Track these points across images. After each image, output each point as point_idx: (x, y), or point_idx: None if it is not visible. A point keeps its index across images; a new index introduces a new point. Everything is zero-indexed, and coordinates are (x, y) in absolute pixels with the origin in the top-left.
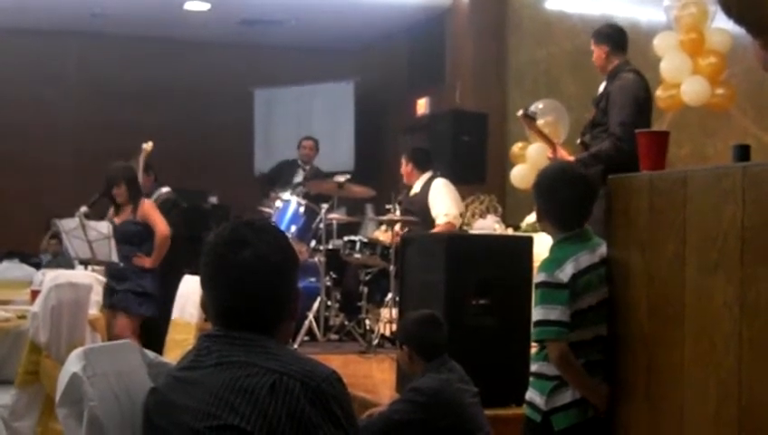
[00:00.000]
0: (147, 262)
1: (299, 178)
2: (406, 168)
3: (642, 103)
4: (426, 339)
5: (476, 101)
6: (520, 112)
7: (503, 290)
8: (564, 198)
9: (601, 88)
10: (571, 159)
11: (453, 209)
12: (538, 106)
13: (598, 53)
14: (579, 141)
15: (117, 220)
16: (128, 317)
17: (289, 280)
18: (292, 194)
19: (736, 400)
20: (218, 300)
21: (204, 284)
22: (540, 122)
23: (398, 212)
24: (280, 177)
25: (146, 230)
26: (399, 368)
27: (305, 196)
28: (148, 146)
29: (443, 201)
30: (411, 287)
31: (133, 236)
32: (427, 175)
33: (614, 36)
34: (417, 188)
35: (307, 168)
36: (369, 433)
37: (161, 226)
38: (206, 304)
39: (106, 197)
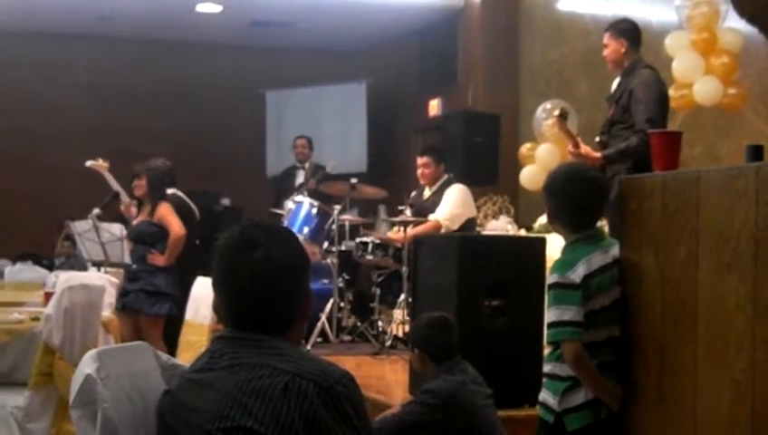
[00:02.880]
0: (159, 260)
1: (300, 178)
2: (436, 169)
3: (664, 100)
4: (437, 341)
5: (488, 102)
6: (557, 112)
7: (516, 291)
8: (575, 200)
9: (615, 84)
10: (598, 155)
11: (449, 213)
12: (545, 107)
13: (615, 46)
14: (597, 140)
15: (134, 221)
16: (147, 318)
17: (300, 281)
18: (297, 196)
19: (749, 401)
20: (230, 302)
21: (215, 286)
22: (548, 122)
23: (408, 213)
24: (284, 185)
25: (161, 232)
26: (412, 369)
27: (312, 194)
28: (100, 163)
29: (447, 204)
30: (424, 289)
31: (147, 237)
32: (444, 177)
33: (632, 31)
34: (435, 189)
35: (306, 166)
36: (381, 433)
37: (176, 226)
38: (217, 307)
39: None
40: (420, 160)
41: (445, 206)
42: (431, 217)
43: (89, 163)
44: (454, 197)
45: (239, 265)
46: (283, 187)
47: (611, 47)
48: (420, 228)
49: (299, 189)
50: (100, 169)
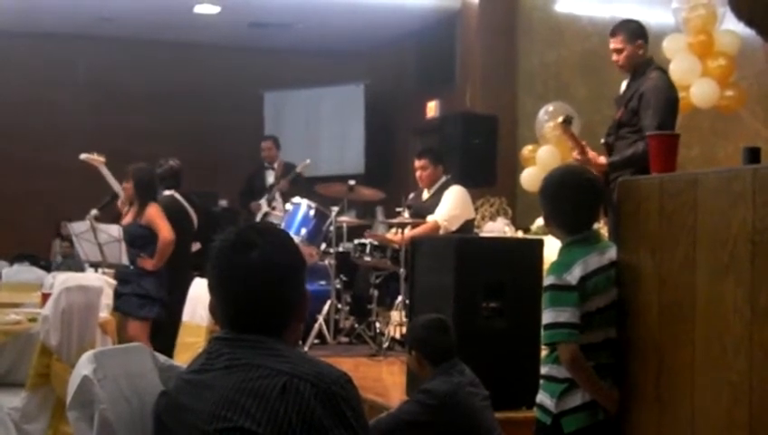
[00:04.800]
0: (148, 264)
1: (270, 178)
2: (434, 171)
3: (675, 104)
4: (434, 343)
5: (486, 104)
6: (561, 118)
7: (513, 293)
8: (571, 202)
9: (624, 85)
10: (603, 161)
11: (448, 214)
12: (547, 109)
13: (632, 50)
14: (603, 142)
15: (123, 222)
16: (135, 321)
17: (296, 282)
18: (268, 196)
19: (747, 403)
20: (226, 303)
21: (211, 287)
22: (550, 124)
23: (406, 214)
24: (253, 186)
25: (150, 234)
26: (410, 371)
27: (308, 195)
28: (95, 157)
29: (446, 205)
30: (421, 290)
31: (136, 239)
32: (443, 179)
33: (645, 30)
34: (433, 191)
35: (275, 166)
36: (377, 432)
37: (165, 231)
38: (213, 308)
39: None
40: (418, 163)
41: (443, 207)
42: (429, 217)
43: (83, 156)
44: (453, 198)
45: (235, 266)
46: (253, 188)
47: (628, 51)
48: (419, 229)
49: (270, 190)
50: (95, 163)
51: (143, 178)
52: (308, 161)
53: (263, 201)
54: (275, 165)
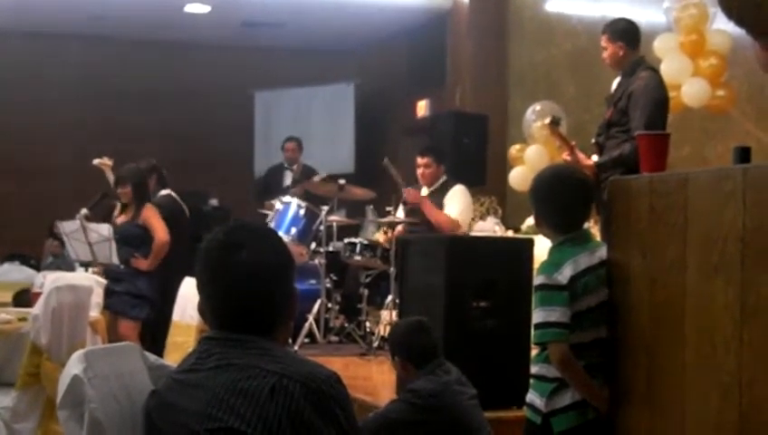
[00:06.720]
0: (143, 264)
1: (288, 180)
2: (437, 169)
3: (664, 104)
4: (415, 346)
5: (477, 103)
6: (548, 120)
7: (503, 292)
8: (561, 202)
9: (615, 85)
10: (591, 162)
11: (465, 215)
12: (535, 108)
13: (613, 49)
14: (593, 141)
15: (118, 221)
16: (128, 321)
17: (285, 281)
18: (284, 197)
19: (737, 402)
20: (215, 303)
21: (200, 287)
22: (537, 124)
23: (399, 213)
24: (270, 183)
25: (146, 234)
26: None
27: (303, 196)
28: (104, 162)
29: (459, 204)
30: (412, 289)
31: (132, 239)
32: (443, 178)
33: (629, 32)
34: (432, 190)
35: (294, 167)
36: (364, 431)
37: (160, 232)
38: (202, 308)
39: (110, 198)
40: (421, 160)
41: (456, 206)
42: (450, 215)
43: (96, 161)
44: (464, 199)
45: (224, 266)
46: (269, 186)
47: (610, 50)
48: (442, 218)
49: (287, 191)
50: (104, 168)
51: (140, 179)
52: (325, 175)
53: (276, 202)
54: (294, 166)
